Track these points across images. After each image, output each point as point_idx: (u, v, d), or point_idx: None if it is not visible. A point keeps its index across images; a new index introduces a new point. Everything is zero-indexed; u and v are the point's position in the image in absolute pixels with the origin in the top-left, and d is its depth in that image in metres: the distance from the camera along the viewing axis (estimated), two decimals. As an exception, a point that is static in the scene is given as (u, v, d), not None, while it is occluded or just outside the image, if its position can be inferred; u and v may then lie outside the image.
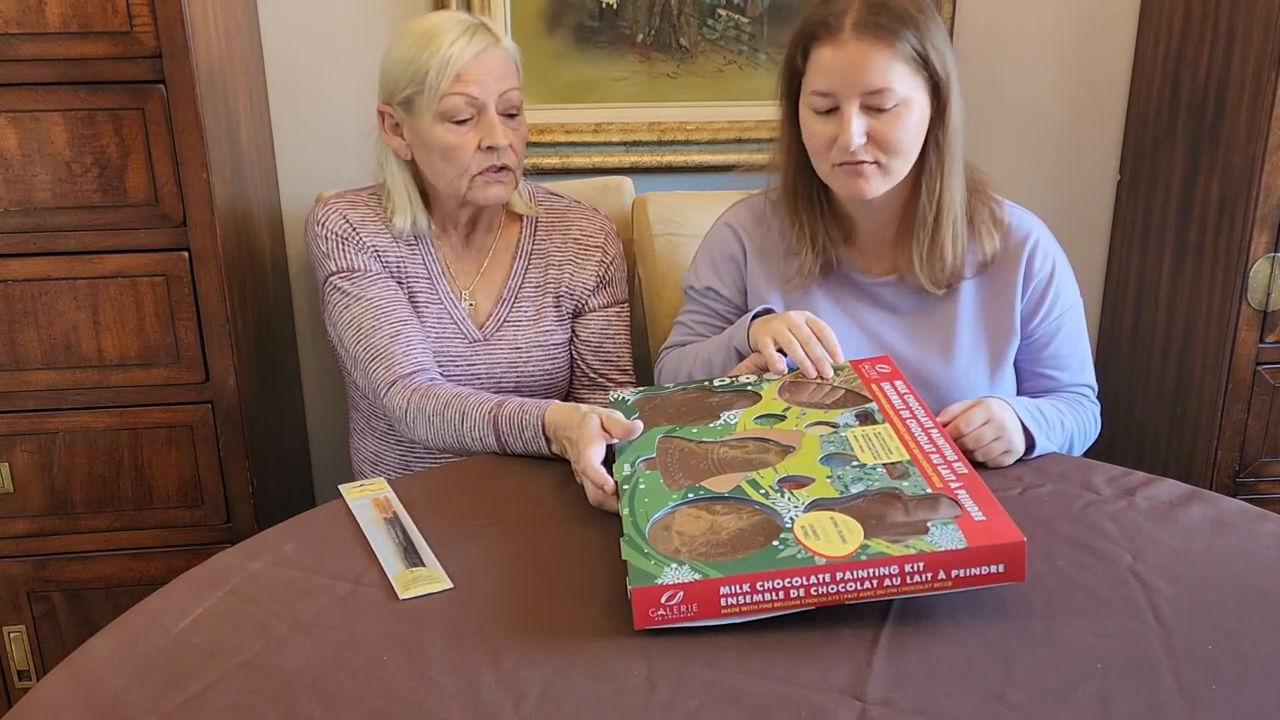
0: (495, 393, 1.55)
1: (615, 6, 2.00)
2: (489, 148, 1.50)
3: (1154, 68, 2.05)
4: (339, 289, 1.57)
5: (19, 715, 0.92)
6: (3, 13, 1.48)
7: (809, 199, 1.47)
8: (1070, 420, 1.45)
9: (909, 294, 1.48)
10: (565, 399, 1.70)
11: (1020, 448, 1.34)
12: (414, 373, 1.51)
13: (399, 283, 1.60)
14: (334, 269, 1.57)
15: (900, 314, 1.49)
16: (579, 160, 2.05)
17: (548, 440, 1.35)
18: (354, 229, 1.58)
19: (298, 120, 2.01)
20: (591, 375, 1.69)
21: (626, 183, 1.98)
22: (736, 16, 2.03)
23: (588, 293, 1.68)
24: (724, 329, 1.53)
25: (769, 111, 2.07)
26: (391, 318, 1.55)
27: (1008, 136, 2.11)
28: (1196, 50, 1.91)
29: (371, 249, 1.59)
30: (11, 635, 1.75)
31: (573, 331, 1.69)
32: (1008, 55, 2.09)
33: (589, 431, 1.25)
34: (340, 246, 1.57)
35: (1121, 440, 2.19)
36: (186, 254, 1.61)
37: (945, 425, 1.33)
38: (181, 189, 1.58)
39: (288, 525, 1.23)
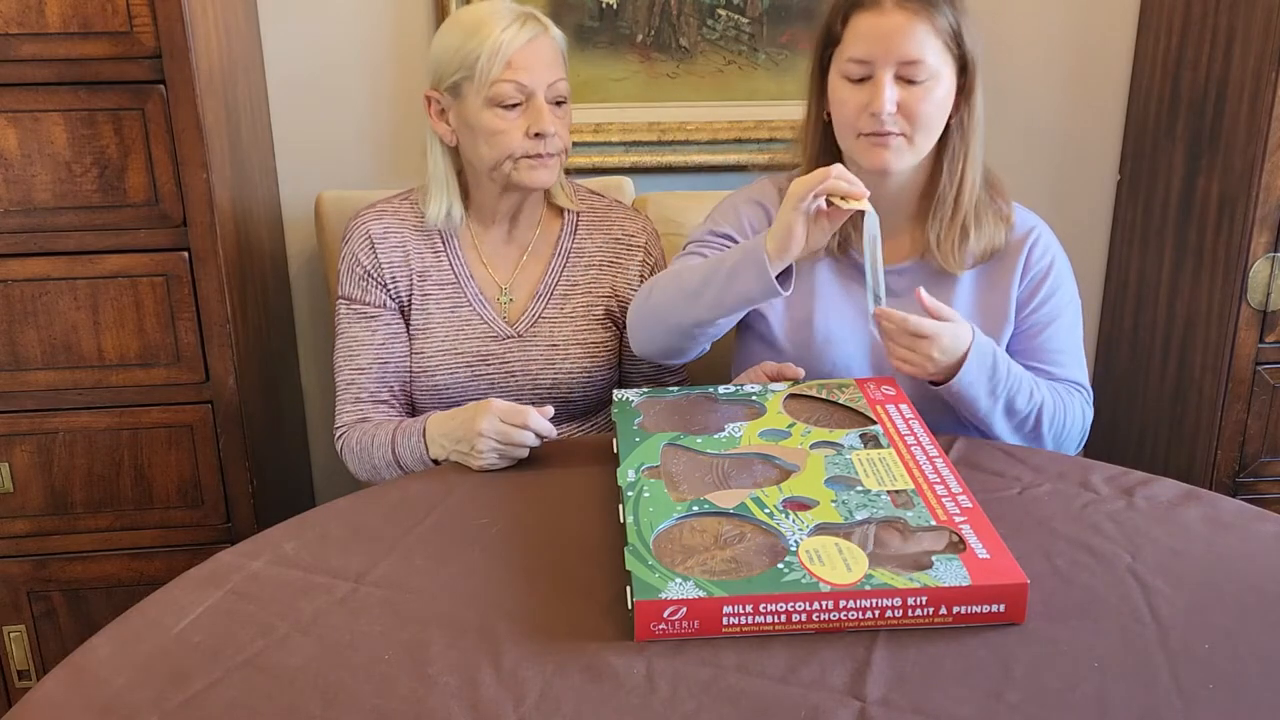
0: (534, 390, 1.60)
1: (615, 6, 2.00)
2: (536, 135, 1.52)
3: (1154, 68, 2.05)
4: (340, 314, 1.63)
5: (19, 715, 0.92)
6: (3, 13, 1.48)
7: None
8: (1048, 398, 1.42)
9: (911, 279, 1.49)
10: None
11: (935, 373, 1.33)
12: (358, 421, 1.56)
13: (408, 297, 1.61)
14: (341, 293, 1.62)
15: (898, 296, 1.50)
16: (579, 160, 2.05)
17: (428, 444, 1.42)
18: (372, 246, 1.59)
19: (298, 120, 2.01)
20: (645, 375, 1.70)
21: (626, 183, 1.98)
22: (736, 17, 2.03)
23: (632, 293, 1.66)
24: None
25: (769, 111, 2.10)
26: (353, 364, 1.59)
27: (1008, 136, 2.11)
28: (1196, 50, 1.92)
29: (382, 275, 1.59)
30: (11, 635, 1.75)
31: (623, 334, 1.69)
32: (1008, 55, 2.09)
33: (488, 403, 1.35)
34: (348, 272, 1.61)
35: (1121, 440, 2.20)
36: (186, 254, 1.61)
37: (925, 304, 1.32)
38: (181, 189, 1.58)
39: (288, 525, 1.23)
